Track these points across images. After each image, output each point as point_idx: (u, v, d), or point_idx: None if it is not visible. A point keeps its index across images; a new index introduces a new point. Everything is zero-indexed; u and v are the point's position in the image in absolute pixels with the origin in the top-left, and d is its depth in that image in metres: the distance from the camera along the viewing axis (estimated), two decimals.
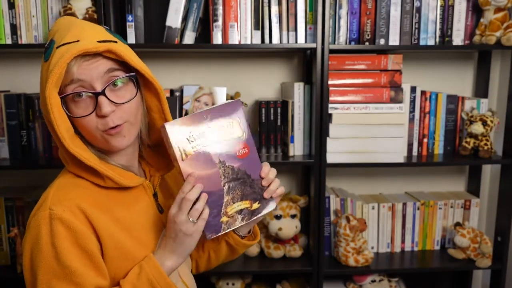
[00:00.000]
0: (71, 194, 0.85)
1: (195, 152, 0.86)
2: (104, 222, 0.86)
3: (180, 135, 0.85)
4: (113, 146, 0.88)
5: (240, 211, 0.92)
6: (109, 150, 0.91)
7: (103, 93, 0.83)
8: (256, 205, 0.94)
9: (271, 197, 0.97)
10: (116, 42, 0.86)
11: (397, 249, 1.85)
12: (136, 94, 0.89)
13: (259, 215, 0.96)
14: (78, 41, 0.81)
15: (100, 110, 0.83)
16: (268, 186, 0.96)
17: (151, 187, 0.99)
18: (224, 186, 0.89)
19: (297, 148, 1.70)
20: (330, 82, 1.64)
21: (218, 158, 0.89)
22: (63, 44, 0.82)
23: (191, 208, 0.85)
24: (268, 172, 0.96)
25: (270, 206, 0.97)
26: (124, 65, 0.88)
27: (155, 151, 1.03)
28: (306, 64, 1.84)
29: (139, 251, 0.90)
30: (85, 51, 0.80)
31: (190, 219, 0.85)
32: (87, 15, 1.53)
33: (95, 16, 1.53)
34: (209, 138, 0.87)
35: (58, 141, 0.84)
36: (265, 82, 1.88)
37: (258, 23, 1.62)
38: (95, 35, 0.84)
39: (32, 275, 0.83)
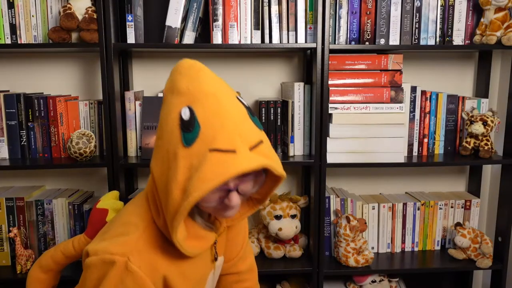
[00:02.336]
0: (153, 252, 0.87)
1: None
2: (174, 277, 0.89)
3: None
4: (224, 216, 0.89)
5: None
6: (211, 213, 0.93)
7: (235, 189, 0.84)
8: None
9: None
10: (262, 142, 0.83)
11: (398, 249, 1.85)
12: (260, 186, 0.92)
13: None
14: (234, 151, 0.77)
15: (230, 202, 0.83)
16: None
17: (216, 237, 0.98)
18: None
19: (297, 148, 1.70)
20: (330, 82, 1.64)
21: None
22: (217, 150, 0.77)
23: None
24: None
25: None
26: None
27: None
28: (306, 64, 1.83)
29: None
30: (243, 173, 0.78)
31: None
32: (86, 15, 1.52)
33: (95, 16, 1.52)
34: None
35: (170, 227, 0.83)
36: (265, 82, 1.88)
37: (258, 23, 1.62)
38: (247, 137, 0.80)
39: None
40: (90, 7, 1.54)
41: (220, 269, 1.12)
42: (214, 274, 1.08)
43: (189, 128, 0.79)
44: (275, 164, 0.84)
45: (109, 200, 1.37)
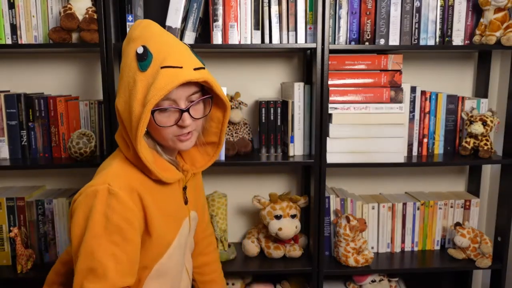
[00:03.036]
0: (128, 175, 0.99)
1: None
2: (149, 202, 0.99)
3: None
4: (180, 148, 1.05)
5: None
6: (168, 148, 1.07)
7: (187, 110, 0.99)
8: None
9: None
10: (204, 68, 1.00)
11: (397, 249, 1.85)
12: (209, 111, 1.07)
13: None
14: (181, 67, 0.95)
15: (183, 122, 0.99)
16: None
17: (184, 181, 1.14)
18: None
19: (297, 148, 1.70)
20: (330, 82, 1.64)
21: None
22: (168, 67, 0.94)
23: None
24: None
25: None
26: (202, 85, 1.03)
27: (198, 150, 1.18)
28: (306, 64, 1.84)
29: (165, 235, 1.05)
30: (188, 81, 0.95)
31: None
32: (87, 15, 1.53)
33: (95, 16, 1.53)
34: None
35: (134, 141, 0.96)
36: (265, 82, 1.88)
37: (258, 23, 1.62)
38: (191, 61, 0.98)
39: (79, 238, 0.93)
40: (90, 7, 1.55)
41: (195, 224, 1.22)
42: (190, 226, 1.18)
43: (144, 57, 0.95)
44: (218, 86, 1.01)
45: None
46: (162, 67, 0.94)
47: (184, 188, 1.16)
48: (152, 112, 0.97)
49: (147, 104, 0.92)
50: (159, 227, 1.02)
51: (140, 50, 0.96)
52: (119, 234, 0.93)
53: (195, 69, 0.97)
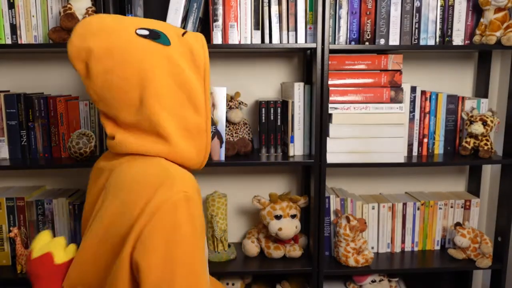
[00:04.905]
0: (187, 176, 0.89)
1: None
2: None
3: None
4: None
5: None
6: None
7: None
8: None
9: None
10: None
11: (397, 249, 1.85)
12: None
13: None
14: (185, 32, 1.00)
15: None
16: None
17: None
18: None
19: (297, 148, 1.70)
20: (330, 82, 1.64)
21: None
22: (185, 33, 0.98)
23: None
24: None
25: None
26: None
27: None
28: (306, 64, 1.84)
29: None
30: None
31: None
32: (87, 15, 1.53)
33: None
34: None
35: (204, 118, 0.96)
36: (265, 82, 1.88)
37: (258, 23, 1.62)
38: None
39: (168, 263, 0.79)
40: (90, 7, 1.55)
41: None
42: None
43: (156, 33, 0.93)
44: None
45: (44, 242, 1.02)
46: (183, 34, 0.99)
47: None
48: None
49: (205, 72, 0.96)
50: None
51: (143, 31, 0.93)
52: (202, 240, 0.85)
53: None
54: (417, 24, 1.66)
